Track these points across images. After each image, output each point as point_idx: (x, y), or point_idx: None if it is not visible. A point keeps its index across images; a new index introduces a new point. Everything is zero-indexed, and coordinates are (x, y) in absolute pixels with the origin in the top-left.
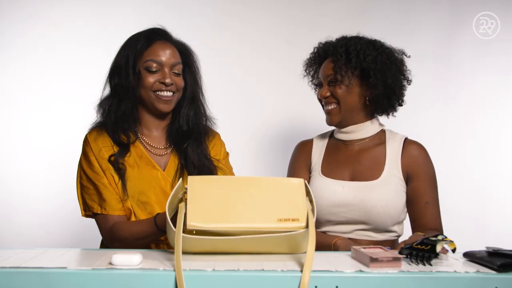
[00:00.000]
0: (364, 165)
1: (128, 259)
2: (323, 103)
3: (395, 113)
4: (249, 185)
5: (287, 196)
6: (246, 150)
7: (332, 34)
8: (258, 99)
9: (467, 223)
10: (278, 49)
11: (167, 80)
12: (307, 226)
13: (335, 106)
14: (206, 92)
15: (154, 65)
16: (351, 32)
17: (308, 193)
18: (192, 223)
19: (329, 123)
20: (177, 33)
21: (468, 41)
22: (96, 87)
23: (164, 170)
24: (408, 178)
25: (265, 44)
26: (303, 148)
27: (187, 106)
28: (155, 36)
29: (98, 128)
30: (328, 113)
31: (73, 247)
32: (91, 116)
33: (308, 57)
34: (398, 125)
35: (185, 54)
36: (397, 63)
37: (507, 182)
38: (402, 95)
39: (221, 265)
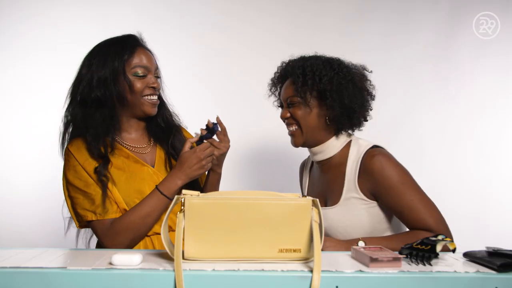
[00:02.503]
0: (328, 189)
1: (128, 259)
2: (285, 123)
3: (361, 128)
4: (251, 211)
5: (291, 221)
6: (246, 150)
7: (332, 34)
8: (258, 99)
9: (467, 223)
10: (278, 49)
11: (156, 85)
12: (307, 258)
13: (296, 128)
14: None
15: (141, 70)
16: (351, 31)
17: (315, 205)
18: (190, 254)
19: (293, 144)
20: (177, 33)
21: (468, 41)
22: None
23: (153, 167)
24: (375, 195)
25: (265, 44)
26: (300, 171)
27: (160, 107)
28: (136, 43)
29: (78, 139)
30: (291, 135)
31: (73, 247)
32: None
33: (273, 76)
34: (398, 125)
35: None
36: (355, 81)
37: (507, 182)
38: (365, 111)
39: (221, 265)
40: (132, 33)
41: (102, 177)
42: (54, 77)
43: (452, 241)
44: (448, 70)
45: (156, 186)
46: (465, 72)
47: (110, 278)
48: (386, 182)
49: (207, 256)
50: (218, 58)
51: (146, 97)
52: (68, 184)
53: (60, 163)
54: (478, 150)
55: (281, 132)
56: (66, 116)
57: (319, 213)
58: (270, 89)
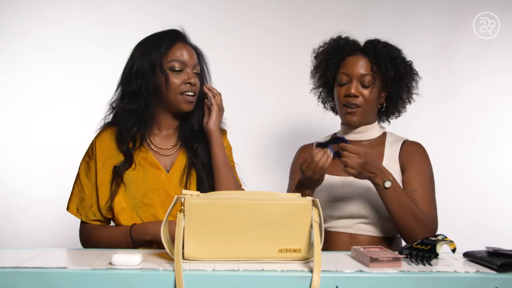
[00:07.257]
0: None
1: (128, 259)
2: (344, 102)
3: (389, 121)
4: (251, 211)
5: (291, 221)
6: (247, 150)
7: (332, 34)
8: (259, 99)
9: (467, 223)
10: (278, 49)
11: (193, 80)
12: (307, 258)
13: (359, 107)
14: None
15: (178, 65)
16: (351, 31)
17: (315, 205)
18: (190, 254)
19: (351, 123)
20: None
21: (468, 41)
22: (95, 87)
23: (168, 171)
24: (402, 171)
25: (265, 44)
26: (302, 152)
27: (199, 107)
28: (176, 37)
29: (107, 131)
30: (350, 112)
31: (73, 247)
32: (91, 116)
33: (324, 46)
34: (398, 125)
35: (198, 56)
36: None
37: (507, 182)
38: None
39: (221, 265)
40: (175, 28)
41: (118, 176)
42: (54, 77)
43: (452, 241)
44: (448, 70)
45: (133, 224)
46: (465, 72)
47: (110, 278)
48: (416, 162)
49: (207, 256)
50: (217, 58)
51: (183, 94)
52: (78, 171)
53: (60, 162)
54: (478, 150)
55: (281, 131)
56: (110, 105)
57: (319, 213)
58: (322, 58)
